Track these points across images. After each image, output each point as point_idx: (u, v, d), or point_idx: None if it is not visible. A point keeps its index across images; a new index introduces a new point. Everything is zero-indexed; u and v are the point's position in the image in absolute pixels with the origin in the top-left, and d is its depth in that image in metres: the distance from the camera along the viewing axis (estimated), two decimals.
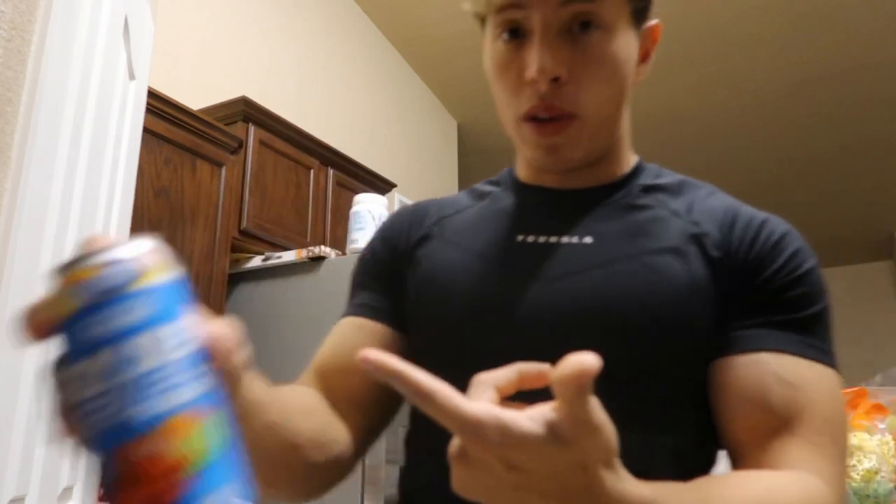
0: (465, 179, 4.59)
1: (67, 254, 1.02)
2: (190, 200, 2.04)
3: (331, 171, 2.66)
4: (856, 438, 1.21)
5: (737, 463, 0.59)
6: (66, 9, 0.99)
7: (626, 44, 0.64)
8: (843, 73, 3.95)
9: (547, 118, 0.62)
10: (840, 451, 0.56)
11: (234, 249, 2.24)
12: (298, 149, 2.51)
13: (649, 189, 0.69)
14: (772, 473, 0.54)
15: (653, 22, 0.69)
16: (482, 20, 0.68)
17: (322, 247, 2.16)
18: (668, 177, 0.71)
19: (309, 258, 2.15)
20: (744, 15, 3.50)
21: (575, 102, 0.61)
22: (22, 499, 0.89)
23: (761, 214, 0.66)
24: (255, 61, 2.89)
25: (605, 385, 0.44)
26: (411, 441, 0.70)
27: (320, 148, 2.60)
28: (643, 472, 0.44)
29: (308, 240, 2.46)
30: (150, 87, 1.68)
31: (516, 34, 0.62)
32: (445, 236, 0.71)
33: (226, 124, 2.25)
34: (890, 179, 5.26)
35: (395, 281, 0.71)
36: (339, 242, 2.55)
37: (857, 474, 1.16)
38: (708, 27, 3.60)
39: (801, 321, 0.60)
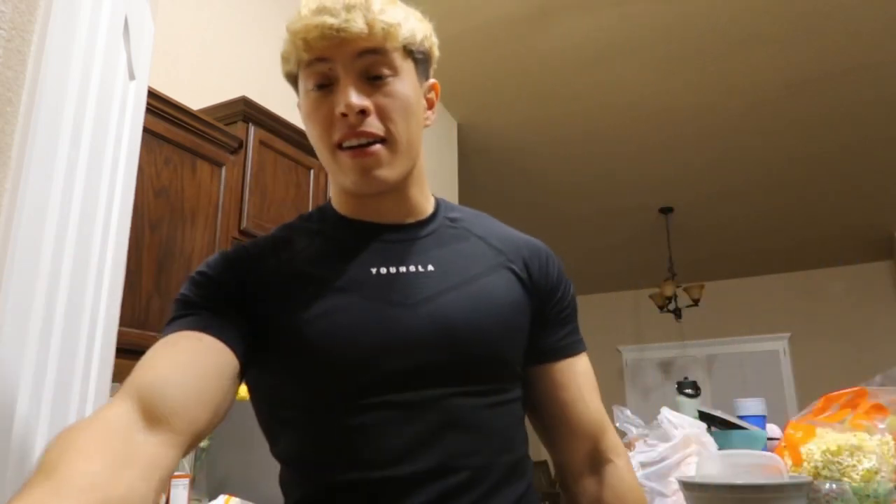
0: (465, 179, 4.59)
1: (67, 253, 1.02)
2: (190, 200, 2.04)
3: None
4: (856, 438, 1.21)
5: (573, 441, 0.86)
6: (66, 9, 0.99)
7: (413, 88, 0.78)
8: (843, 73, 3.95)
9: (357, 144, 0.74)
10: (599, 396, 0.88)
11: None
12: (298, 149, 2.51)
13: (454, 220, 0.86)
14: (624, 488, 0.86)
15: (433, 80, 0.85)
16: (294, 80, 0.81)
17: None
18: (459, 210, 0.89)
19: None
20: (744, 15, 3.50)
21: (380, 128, 0.75)
22: None
23: (541, 247, 0.89)
24: (255, 61, 2.89)
25: (475, 374, 0.75)
26: (288, 482, 0.78)
27: None
28: (502, 427, 0.77)
29: None
30: (150, 87, 1.67)
31: (323, 86, 0.75)
32: (299, 278, 0.76)
33: (226, 124, 2.25)
34: (890, 179, 5.26)
35: (234, 313, 0.73)
36: None
37: (857, 474, 1.16)
38: (708, 27, 3.60)
39: (575, 324, 0.89)
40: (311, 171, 2.55)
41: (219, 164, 2.16)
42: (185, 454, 0.63)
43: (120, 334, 1.37)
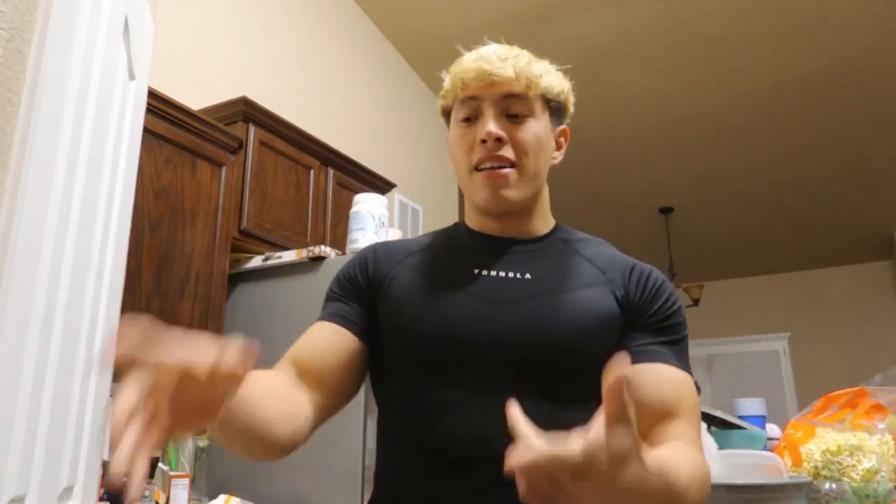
0: None
1: (67, 254, 1.02)
2: (190, 200, 2.04)
3: (331, 171, 2.66)
4: (856, 438, 1.21)
5: (640, 429, 0.84)
6: (66, 9, 0.99)
7: (545, 129, 0.92)
8: (843, 74, 3.95)
9: (490, 167, 0.88)
10: (698, 425, 0.86)
11: (234, 249, 2.24)
12: (298, 149, 2.51)
13: (566, 241, 0.97)
14: (678, 444, 0.79)
15: (564, 126, 0.99)
16: (447, 114, 0.97)
17: (322, 247, 2.16)
18: (578, 235, 0.99)
19: (309, 258, 2.15)
20: (744, 16, 3.50)
21: (513, 155, 0.88)
22: (22, 499, 0.89)
23: (647, 267, 0.94)
24: (255, 61, 2.89)
25: (547, 375, 0.83)
26: (379, 475, 0.90)
27: (320, 148, 2.60)
28: (570, 422, 0.70)
29: (308, 240, 2.46)
30: (150, 87, 1.68)
31: (470, 119, 0.91)
32: (415, 267, 0.93)
33: (226, 124, 2.25)
34: (890, 179, 5.26)
35: (366, 303, 0.93)
36: (339, 242, 2.55)
37: (857, 474, 1.16)
38: (708, 28, 3.60)
39: (674, 342, 0.89)
40: (311, 171, 2.55)
41: (219, 164, 2.16)
42: (321, 408, 0.86)
43: None
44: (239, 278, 2.28)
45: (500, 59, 0.89)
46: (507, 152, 0.88)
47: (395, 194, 3.63)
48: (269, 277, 2.24)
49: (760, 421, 1.67)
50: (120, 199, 1.29)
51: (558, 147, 0.98)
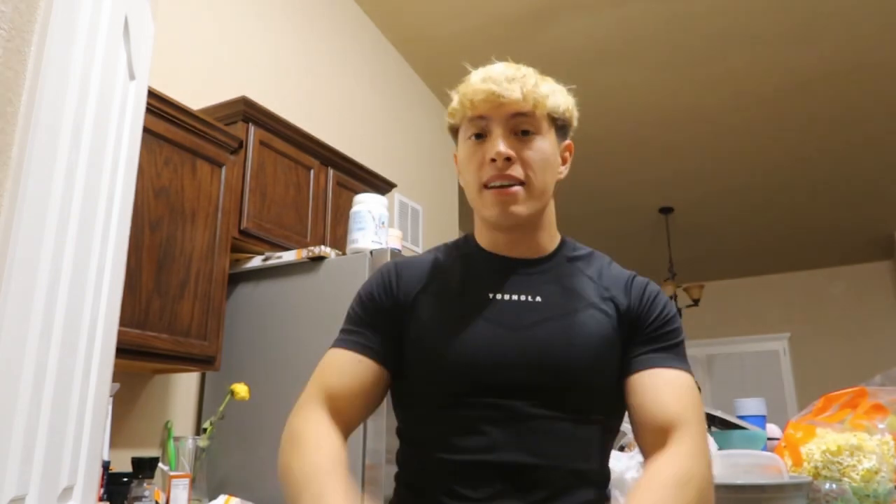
0: None
1: (67, 254, 1.02)
2: (190, 200, 2.04)
3: (331, 171, 2.66)
4: (856, 438, 1.21)
5: (645, 436, 0.91)
6: (66, 9, 0.99)
7: (551, 146, 0.97)
8: (843, 73, 3.95)
9: (499, 185, 0.92)
10: (701, 422, 0.90)
11: (234, 249, 2.24)
12: (298, 149, 2.51)
13: (571, 259, 1.01)
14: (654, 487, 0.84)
15: (569, 141, 1.04)
16: (455, 132, 1.02)
17: (322, 247, 2.16)
18: (581, 250, 1.04)
19: (309, 258, 2.15)
20: (743, 16, 3.50)
21: (521, 174, 0.93)
22: (22, 499, 0.89)
23: (643, 278, 1.00)
24: (255, 61, 2.89)
25: (561, 394, 0.89)
26: (400, 478, 0.96)
27: (320, 148, 2.60)
28: (579, 440, 0.89)
29: (308, 240, 2.46)
30: (150, 87, 1.67)
31: (480, 137, 0.95)
32: (434, 293, 0.97)
33: (226, 124, 2.25)
34: (890, 179, 5.26)
35: (389, 327, 0.96)
36: (339, 242, 2.55)
37: (857, 474, 1.16)
38: (707, 28, 3.60)
39: (672, 346, 0.95)
40: (311, 171, 2.55)
41: (219, 164, 2.16)
42: (349, 432, 0.96)
43: (120, 334, 1.37)
44: (239, 278, 2.28)
45: (507, 80, 0.94)
46: (516, 171, 0.92)
47: (395, 194, 3.63)
48: (269, 277, 2.24)
49: (760, 421, 1.67)
50: (120, 199, 1.29)
51: (563, 162, 1.02)
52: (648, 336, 0.95)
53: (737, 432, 1.54)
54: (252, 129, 2.31)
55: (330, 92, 3.39)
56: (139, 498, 1.79)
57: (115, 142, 1.25)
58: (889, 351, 6.38)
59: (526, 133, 0.94)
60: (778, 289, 7.40)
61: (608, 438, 0.96)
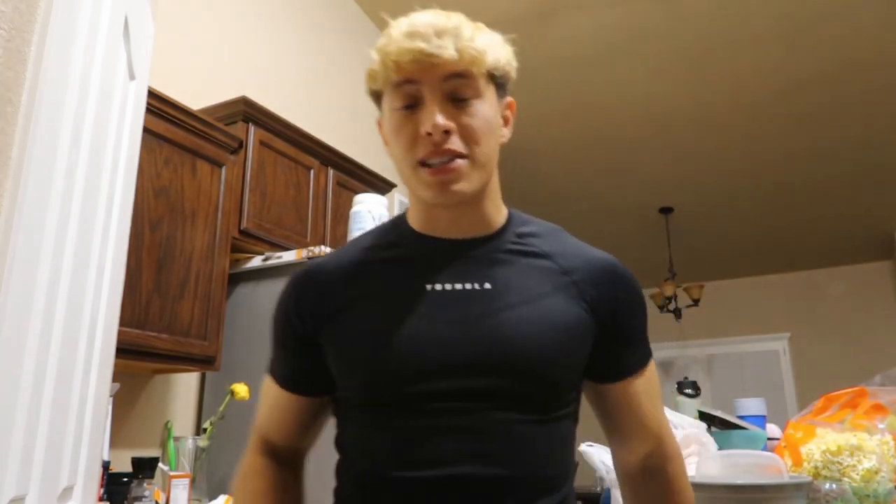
0: None
1: (67, 253, 1.02)
2: (190, 200, 2.04)
3: (331, 171, 2.66)
4: (856, 438, 1.21)
5: (629, 444, 0.89)
6: (66, 9, 0.99)
7: (492, 108, 0.82)
8: (842, 73, 3.95)
9: (439, 162, 0.78)
10: (660, 401, 0.91)
11: (234, 249, 2.24)
12: (298, 149, 2.50)
13: (522, 235, 0.87)
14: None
15: (509, 98, 0.88)
16: (378, 97, 0.86)
17: (322, 247, 2.16)
18: (532, 223, 0.91)
19: (309, 258, 2.15)
20: (743, 15, 3.50)
21: (462, 147, 0.78)
22: (22, 499, 0.89)
23: (612, 261, 0.88)
24: (255, 61, 2.89)
25: (522, 395, 0.77)
26: (341, 469, 0.86)
27: (320, 148, 2.60)
28: (542, 443, 0.79)
29: (308, 240, 2.46)
30: (150, 87, 1.67)
31: (409, 106, 0.80)
32: (360, 297, 0.84)
33: (226, 124, 2.25)
34: (890, 179, 5.26)
35: (311, 350, 0.85)
36: (339, 242, 2.55)
37: (857, 474, 1.16)
38: (707, 28, 3.60)
39: (644, 339, 0.89)
40: (311, 171, 2.55)
41: (219, 164, 2.16)
42: (301, 459, 0.95)
43: (120, 334, 1.37)
44: (239, 278, 2.28)
45: (437, 33, 0.77)
46: (456, 144, 0.78)
47: (395, 194, 3.62)
48: (269, 277, 2.24)
49: (760, 421, 1.67)
50: (120, 199, 1.29)
51: (505, 122, 0.87)
52: (628, 337, 0.87)
53: (737, 432, 1.54)
54: (252, 129, 2.31)
55: (330, 92, 3.39)
56: (139, 498, 1.79)
57: (115, 142, 1.25)
58: (889, 351, 6.38)
59: (463, 98, 0.79)
60: (778, 289, 7.40)
61: (574, 431, 0.87)
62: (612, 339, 0.85)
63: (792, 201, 5.71)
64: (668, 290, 5.90)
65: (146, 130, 1.76)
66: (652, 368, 0.90)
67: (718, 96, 4.23)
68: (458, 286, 0.81)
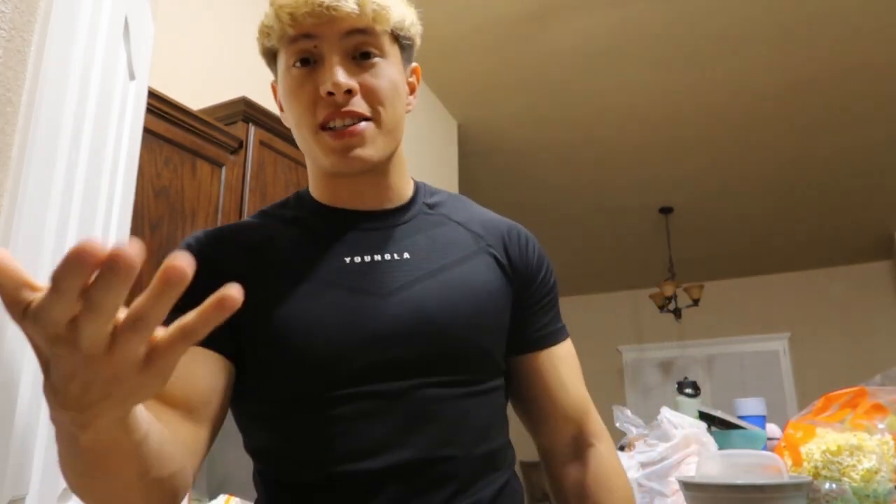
0: (465, 179, 4.59)
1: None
2: (190, 200, 2.04)
3: None
4: (856, 438, 1.21)
5: (552, 423, 0.86)
6: (66, 9, 0.99)
7: (398, 71, 0.78)
8: (842, 74, 3.95)
9: (342, 125, 0.72)
10: (582, 379, 0.89)
11: None
12: (298, 149, 2.50)
13: (432, 206, 0.85)
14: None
15: (415, 64, 0.85)
16: (272, 56, 0.79)
17: None
18: (439, 194, 0.88)
19: None
20: (743, 15, 3.50)
21: (366, 108, 0.73)
22: (22, 499, 0.89)
23: (522, 230, 0.87)
24: (256, 61, 2.88)
25: (452, 365, 0.73)
26: (263, 476, 0.78)
27: None
28: (480, 417, 0.75)
29: None
30: (150, 87, 1.67)
31: (307, 63, 0.74)
32: (268, 268, 0.74)
33: (226, 124, 2.25)
34: (890, 179, 5.26)
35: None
36: None
37: (857, 474, 1.16)
38: (707, 28, 3.60)
39: (556, 307, 0.87)
40: None
41: (219, 164, 2.16)
42: (208, 437, 0.71)
43: None
44: None
45: None
46: (359, 105, 0.72)
47: None
48: None
49: (760, 421, 1.67)
50: (120, 199, 1.29)
51: (411, 90, 0.83)
52: (539, 302, 0.85)
53: (737, 432, 1.54)
54: (252, 129, 2.31)
55: None
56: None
57: (115, 142, 1.25)
58: (889, 351, 6.38)
59: (366, 56, 0.73)
60: (778, 289, 7.40)
61: (505, 406, 0.84)
62: (530, 304, 0.84)
63: (792, 201, 5.71)
64: (668, 290, 5.91)
65: (146, 130, 1.76)
66: (571, 345, 0.89)
67: (719, 96, 4.23)
68: (378, 257, 0.76)
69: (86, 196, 1.08)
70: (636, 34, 3.67)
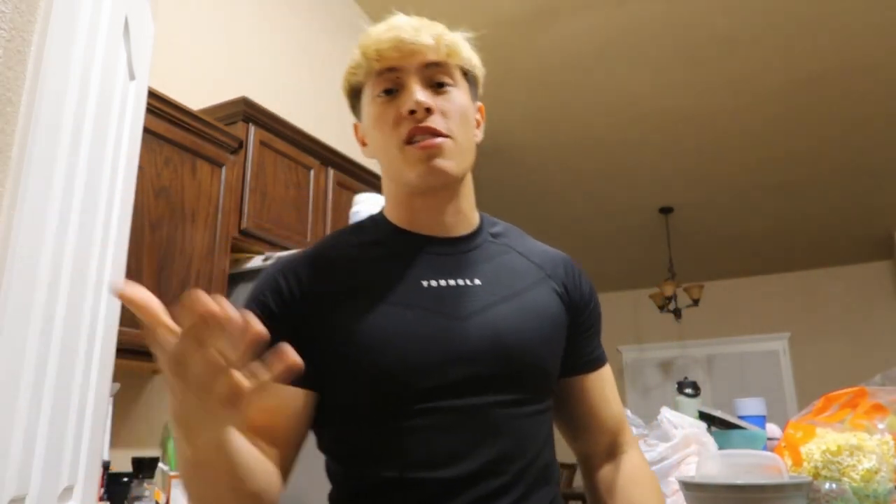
0: None
1: (68, 253, 1.02)
2: (190, 200, 2.04)
3: (331, 171, 2.66)
4: (856, 438, 1.21)
5: (595, 437, 0.95)
6: (66, 9, 0.99)
7: (469, 101, 0.87)
8: (842, 74, 3.95)
9: (422, 139, 0.80)
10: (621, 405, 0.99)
11: (234, 249, 2.24)
12: (298, 149, 2.51)
13: (495, 235, 0.92)
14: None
15: (480, 103, 0.93)
16: (357, 93, 0.88)
17: None
18: (498, 224, 0.95)
19: None
20: (743, 16, 3.50)
21: (444, 127, 0.81)
22: (22, 499, 0.89)
23: (571, 260, 0.95)
24: (255, 61, 2.89)
25: (520, 384, 0.81)
26: (338, 475, 0.83)
27: (320, 148, 2.60)
28: (536, 434, 0.82)
29: (308, 240, 2.46)
30: (150, 87, 1.67)
31: (390, 92, 0.83)
32: (351, 291, 0.81)
33: (226, 124, 2.25)
34: (890, 179, 5.26)
35: (300, 342, 0.73)
36: None
37: (857, 474, 1.16)
38: (707, 28, 3.61)
39: (599, 334, 0.96)
40: (311, 171, 2.55)
41: (219, 164, 2.16)
42: (289, 461, 0.80)
43: (120, 334, 1.37)
44: (239, 278, 2.28)
45: (414, 28, 0.83)
46: (437, 123, 0.80)
47: None
48: None
49: (760, 421, 1.66)
50: (120, 199, 1.29)
51: (478, 125, 0.91)
52: (589, 329, 0.94)
53: (737, 432, 1.54)
54: (252, 129, 2.31)
55: (330, 92, 3.39)
56: (139, 498, 1.79)
57: (115, 142, 1.25)
58: (889, 351, 6.38)
59: (441, 85, 0.83)
60: (778, 289, 7.40)
61: (551, 426, 0.90)
62: (581, 331, 0.92)
63: (792, 201, 5.71)
64: (668, 290, 5.91)
65: (146, 130, 1.76)
66: (609, 367, 0.98)
67: (718, 96, 4.23)
68: (452, 282, 0.83)
69: (86, 196, 1.08)
70: (636, 34, 3.67)
